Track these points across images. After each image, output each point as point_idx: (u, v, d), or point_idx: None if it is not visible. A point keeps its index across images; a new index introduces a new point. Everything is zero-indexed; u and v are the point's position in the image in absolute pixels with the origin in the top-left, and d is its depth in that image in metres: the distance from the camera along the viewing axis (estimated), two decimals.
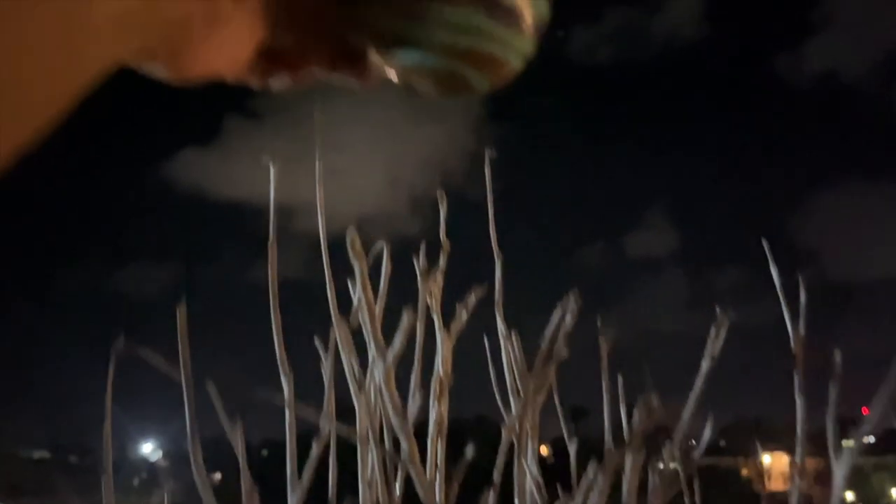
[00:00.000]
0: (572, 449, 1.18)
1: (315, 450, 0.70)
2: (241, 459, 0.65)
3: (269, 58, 0.28)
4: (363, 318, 0.72)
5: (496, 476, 1.05)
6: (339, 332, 0.68)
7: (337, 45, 0.29)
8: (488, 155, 1.25)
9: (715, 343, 1.17)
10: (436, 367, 1.03)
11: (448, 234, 1.15)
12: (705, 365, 1.17)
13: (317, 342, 0.87)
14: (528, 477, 1.01)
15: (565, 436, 1.28)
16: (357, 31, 0.29)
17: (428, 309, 1.00)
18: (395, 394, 0.45)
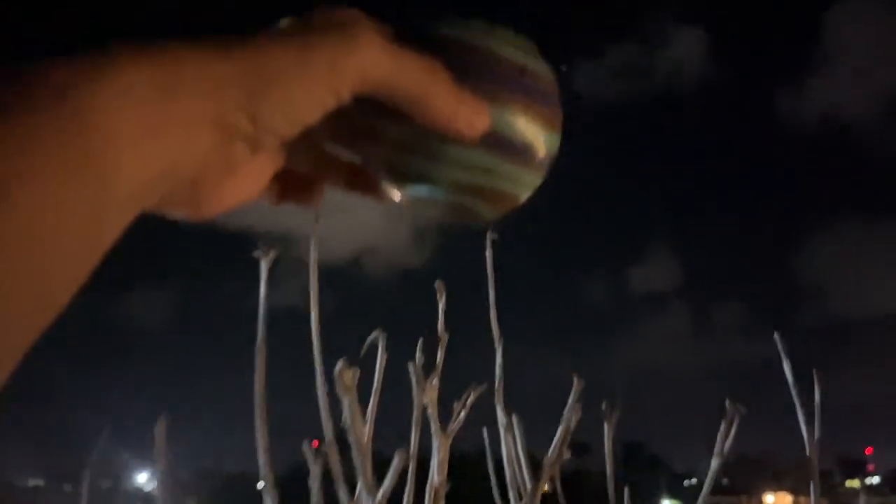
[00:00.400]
0: None
1: None
2: None
3: (283, 181, 0.29)
4: (355, 449, 0.68)
5: None
6: (330, 457, 0.64)
7: (350, 175, 0.31)
8: (489, 237, 1.21)
9: (725, 440, 1.12)
10: (431, 473, 0.98)
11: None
12: (715, 463, 1.12)
13: (307, 452, 0.82)
14: None
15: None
16: (370, 166, 0.30)
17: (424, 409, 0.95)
18: None
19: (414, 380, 0.60)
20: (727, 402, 1.13)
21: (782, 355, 1.08)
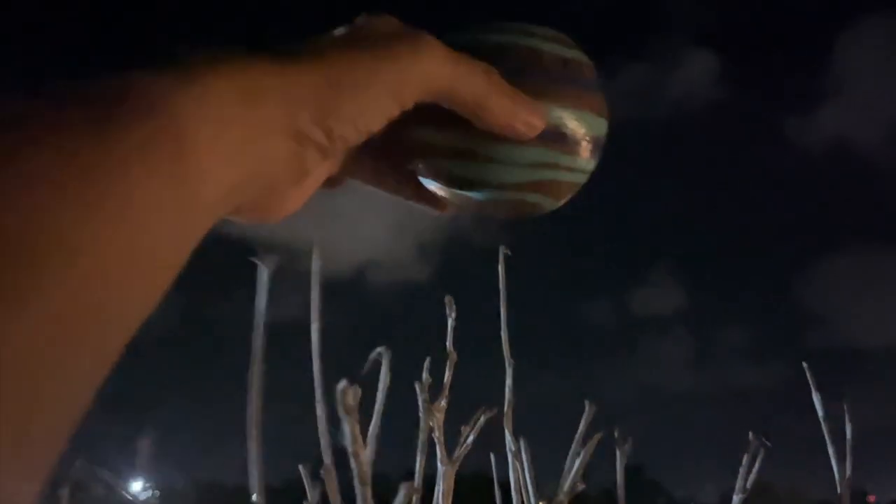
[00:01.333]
0: None
1: None
2: None
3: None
4: (355, 474, 0.62)
5: None
6: (328, 484, 0.58)
7: (411, 187, 0.31)
8: (502, 251, 1.16)
9: (749, 473, 1.05)
10: (435, 499, 0.91)
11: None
12: (738, 500, 1.05)
13: (304, 476, 0.76)
14: None
15: None
16: (426, 175, 0.30)
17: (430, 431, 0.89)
18: None
19: (420, 400, 0.55)
20: (750, 435, 1.06)
21: (812, 386, 1.02)
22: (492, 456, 1.05)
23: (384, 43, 0.25)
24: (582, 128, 0.30)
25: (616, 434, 1.28)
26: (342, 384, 0.54)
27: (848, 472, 0.96)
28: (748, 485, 1.06)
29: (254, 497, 0.89)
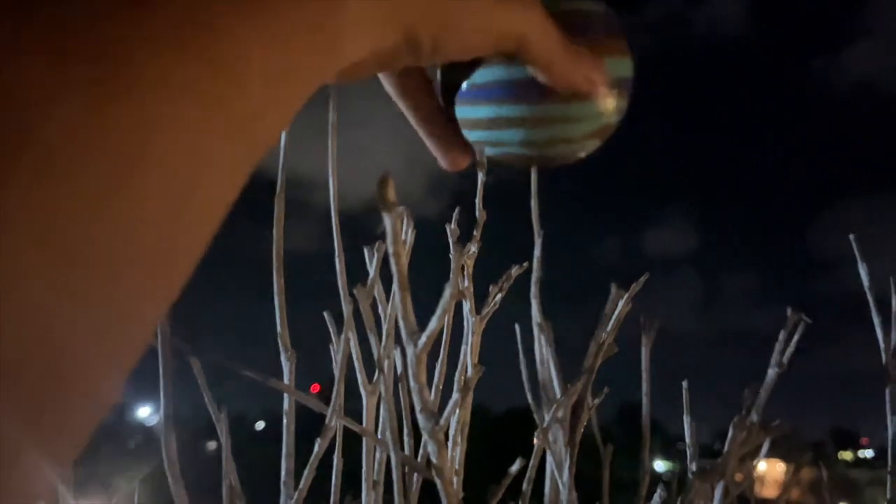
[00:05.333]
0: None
1: (318, 448, 0.56)
2: (224, 453, 0.50)
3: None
4: (389, 292, 0.58)
5: (525, 488, 0.90)
6: (360, 301, 0.54)
7: (440, 126, 0.34)
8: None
9: (786, 348, 1.01)
10: (462, 356, 0.87)
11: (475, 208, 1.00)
12: (771, 373, 1.01)
13: (326, 317, 0.72)
14: (562, 493, 0.86)
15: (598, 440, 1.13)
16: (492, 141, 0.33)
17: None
18: (426, 387, 0.33)
19: (451, 241, 0.51)
20: (788, 311, 1.02)
21: (858, 258, 0.97)
22: (517, 326, 1.01)
23: None
24: (621, 73, 0.32)
25: (641, 319, 1.24)
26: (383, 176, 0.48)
27: (893, 342, 0.92)
28: (785, 359, 1.02)
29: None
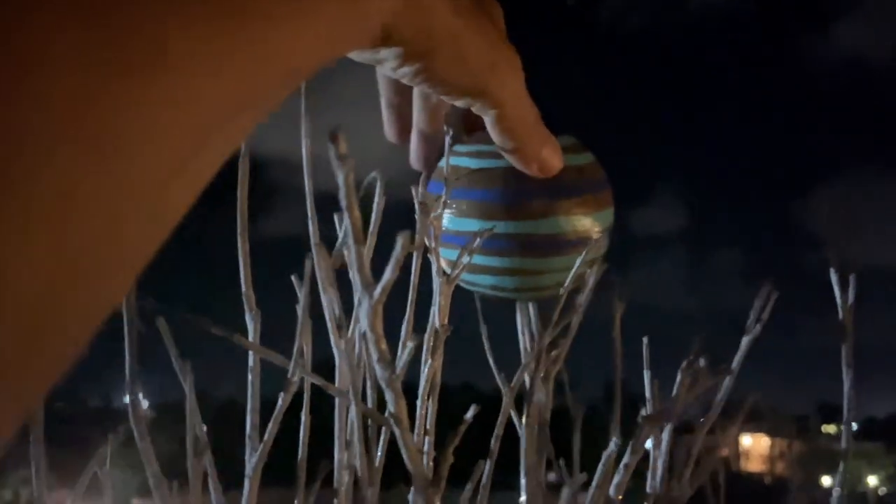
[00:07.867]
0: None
1: (281, 401, 0.56)
2: (189, 404, 0.51)
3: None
4: (348, 245, 0.58)
5: (493, 444, 0.91)
6: (317, 260, 0.55)
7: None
8: None
9: (762, 316, 1.03)
10: (431, 317, 0.89)
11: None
12: (745, 341, 1.03)
13: (293, 279, 0.73)
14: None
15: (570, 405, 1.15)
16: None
17: (425, 250, 0.86)
18: (382, 338, 0.34)
19: (416, 202, 0.51)
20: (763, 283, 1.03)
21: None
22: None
23: (501, 36, 0.28)
24: (599, 225, 0.35)
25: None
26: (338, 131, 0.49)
27: (851, 299, 0.94)
28: (757, 328, 1.04)
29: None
